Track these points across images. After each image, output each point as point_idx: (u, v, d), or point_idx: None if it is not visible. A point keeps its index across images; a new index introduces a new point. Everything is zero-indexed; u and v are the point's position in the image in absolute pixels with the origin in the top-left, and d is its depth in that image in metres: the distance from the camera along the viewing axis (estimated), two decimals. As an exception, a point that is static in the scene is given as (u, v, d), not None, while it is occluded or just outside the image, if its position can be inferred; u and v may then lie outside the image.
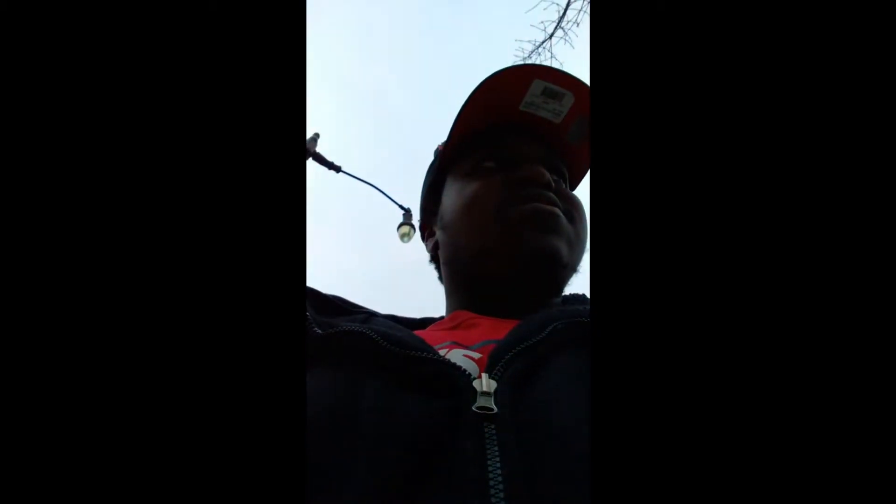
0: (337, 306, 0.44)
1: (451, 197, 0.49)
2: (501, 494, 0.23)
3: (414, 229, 4.70)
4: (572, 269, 0.46)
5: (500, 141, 0.49)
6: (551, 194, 0.44)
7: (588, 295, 0.48)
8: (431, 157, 0.58)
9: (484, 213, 0.44)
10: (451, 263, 0.49)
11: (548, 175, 0.44)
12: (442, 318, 0.49)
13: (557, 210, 0.43)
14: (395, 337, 0.31)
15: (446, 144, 0.52)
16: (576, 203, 0.47)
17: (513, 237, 0.42)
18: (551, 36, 3.38)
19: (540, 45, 3.44)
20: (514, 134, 0.49)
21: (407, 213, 4.49)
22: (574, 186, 0.54)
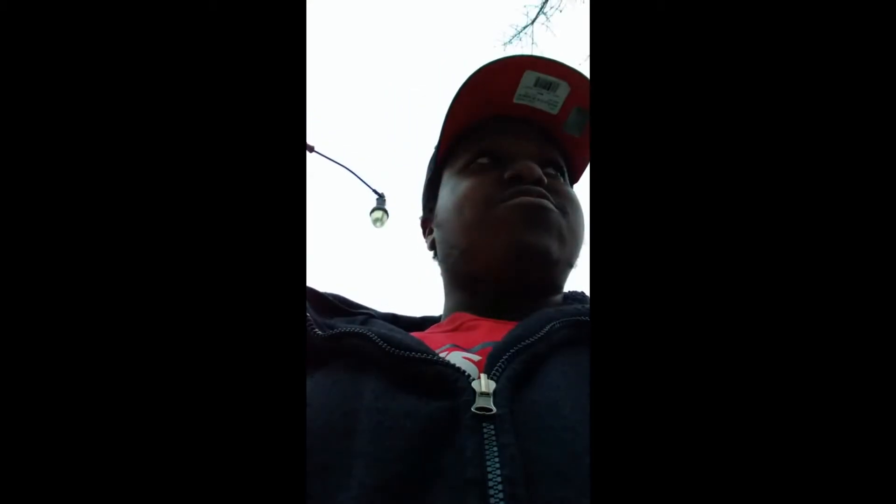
0: (336, 306, 0.44)
1: (445, 194, 0.49)
2: (501, 495, 0.23)
3: (387, 214, 4.64)
4: (566, 264, 0.45)
5: (493, 137, 0.48)
6: (541, 189, 0.43)
7: (587, 293, 0.48)
8: (423, 149, 0.58)
9: (473, 210, 0.44)
10: (445, 261, 0.49)
11: (538, 170, 0.43)
12: (440, 317, 0.49)
13: (547, 203, 0.42)
14: (395, 339, 0.31)
15: (439, 141, 0.51)
16: (570, 198, 0.46)
17: (500, 234, 0.42)
18: (533, 21, 3.36)
19: (522, 31, 3.42)
20: (508, 128, 0.48)
21: (380, 198, 4.43)
22: (576, 179, 0.53)
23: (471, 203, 0.44)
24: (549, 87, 0.47)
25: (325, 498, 0.24)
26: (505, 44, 3.48)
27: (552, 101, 0.48)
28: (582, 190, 0.52)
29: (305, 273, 0.23)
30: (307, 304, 0.37)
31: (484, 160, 0.47)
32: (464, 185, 0.46)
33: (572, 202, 0.46)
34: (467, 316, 0.42)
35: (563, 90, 0.47)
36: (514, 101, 0.48)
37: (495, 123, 0.49)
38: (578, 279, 0.48)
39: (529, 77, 0.46)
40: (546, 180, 0.44)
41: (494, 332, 0.37)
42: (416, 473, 0.24)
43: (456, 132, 0.50)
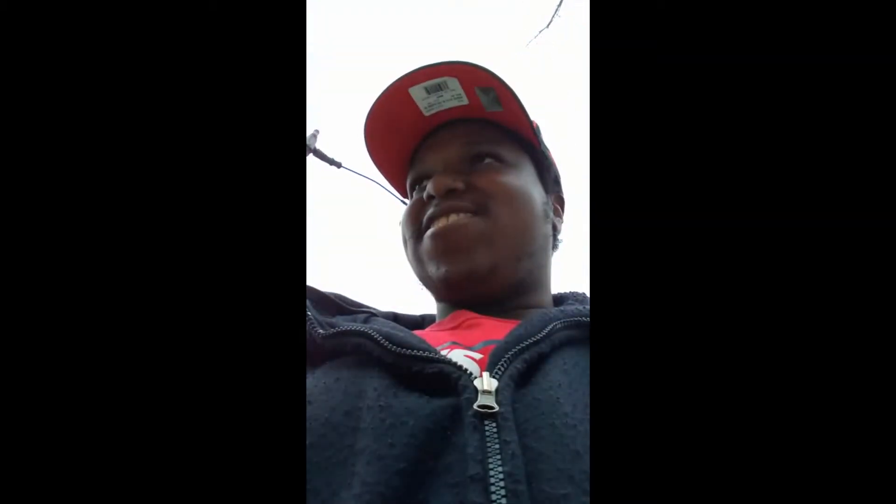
0: (337, 305, 0.44)
1: None
2: (502, 492, 0.23)
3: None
4: (510, 260, 0.44)
5: (423, 155, 0.50)
6: (452, 203, 0.44)
7: (587, 294, 0.48)
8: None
9: (410, 243, 0.48)
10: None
11: (445, 182, 0.44)
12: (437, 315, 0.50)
13: (459, 219, 0.43)
14: (397, 337, 0.32)
15: (391, 185, 0.55)
16: (493, 188, 0.45)
17: (430, 268, 0.45)
18: (548, 25, 3.36)
19: (538, 35, 3.42)
20: (438, 139, 0.49)
21: (409, 208, 4.46)
22: (535, 143, 0.51)
23: (407, 234, 0.48)
24: (440, 88, 0.47)
25: (328, 495, 0.24)
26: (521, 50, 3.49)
27: (455, 95, 0.47)
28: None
29: (305, 272, 0.23)
30: (309, 304, 0.38)
31: (413, 188, 0.50)
32: (402, 215, 0.50)
33: (497, 191, 0.45)
34: (468, 314, 0.42)
35: (454, 83, 0.46)
36: (427, 115, 0.49)
37: (429, 140, 0.50)
38: (578, 280, 0.47)
39: (418, 91, 0.47)
40: (459, 185, 0.44)
41: (496, 330, 0.37)
42: (419, 471, 0.25)
43: (397, 166, 0.54)
